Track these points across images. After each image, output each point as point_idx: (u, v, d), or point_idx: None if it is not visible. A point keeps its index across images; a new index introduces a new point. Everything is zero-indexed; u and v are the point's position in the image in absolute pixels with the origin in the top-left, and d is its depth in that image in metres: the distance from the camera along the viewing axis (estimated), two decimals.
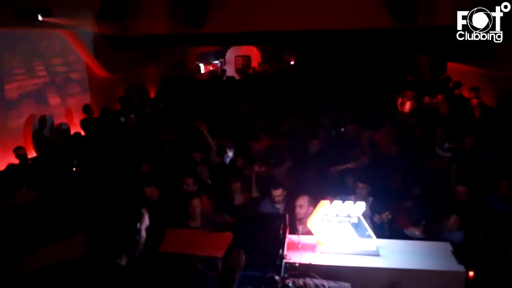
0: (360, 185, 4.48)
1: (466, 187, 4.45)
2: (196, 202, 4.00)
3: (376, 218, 4.20)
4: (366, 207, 4.35)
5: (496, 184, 4.53)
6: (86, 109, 8.48)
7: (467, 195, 4.42)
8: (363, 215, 4.26)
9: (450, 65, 11.29)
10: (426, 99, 8.41)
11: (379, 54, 13.98)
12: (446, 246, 2.91)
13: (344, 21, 9.02)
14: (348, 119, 7.24)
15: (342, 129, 7.09)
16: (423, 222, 3.78)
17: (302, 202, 3.85)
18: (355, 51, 14.16)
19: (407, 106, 8.16)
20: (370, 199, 4.51)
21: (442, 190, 5.04)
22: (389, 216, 4.16)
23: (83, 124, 8.10)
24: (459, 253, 2.83)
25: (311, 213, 3.74)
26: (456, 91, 9.50)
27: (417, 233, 3.74)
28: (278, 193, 4.22)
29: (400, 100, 8.81)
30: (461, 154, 5.71)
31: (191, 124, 6.73)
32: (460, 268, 2.64)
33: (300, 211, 3.81)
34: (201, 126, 5.96)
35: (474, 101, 7.73)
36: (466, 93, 9.16)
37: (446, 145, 5.89)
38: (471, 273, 2.64)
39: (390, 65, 13.31)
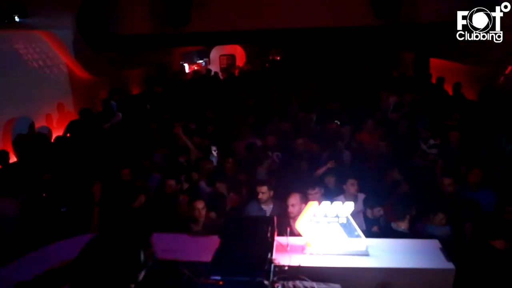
0: (350, 181, 4.47)
1: (452, 178, 4.48)
2: (200, 204, 3.90)
3: (368, 213, 4.20)
4: (358, 203, 4.40)
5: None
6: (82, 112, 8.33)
7: (453, 187, 4.46)
8: (357, 211, 4.30)
9: (433, 61, 11.43)
10: (409, 96, 8.46)
11: (363, 51, 14.08)
12: (435, 244, 2.91)
13: (327, 18, 9.03)
14: (333, 116, 7.26)
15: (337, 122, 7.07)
16: (408, 216, 3.78)
17: (294, 200, 3.81)
18: (339, 49, 14.23)
19: (390, 101, 8.22)
20: (362, 195, 4.51)
21: (429, 186, 5.06)
22: (381, 212, 4.17)
23: (70, 126, 7.90)
24: (446, 248, 2.84)
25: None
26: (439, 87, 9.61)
27: (403, 227, 3.74)
28: (263, 189, 4.12)
29: (384, 96, 8.87)
30: (446, 150, 5.77)
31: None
32: (449, 265, 2.64)
33: (293, 210, 3.77)
34: (176, 129, 5.91)
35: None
36: (449, 89, 9.29)
37: (431, 142, 5.94)
38: None
39: (374, 61, 13.41)
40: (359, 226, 3.99)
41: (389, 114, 7.48)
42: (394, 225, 3.79)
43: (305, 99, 9.12)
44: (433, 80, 10.14)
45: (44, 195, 4.93)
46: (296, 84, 11.21)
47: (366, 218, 4.29)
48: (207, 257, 2.47)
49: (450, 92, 9.17)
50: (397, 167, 5.18)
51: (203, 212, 3.90)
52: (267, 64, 17.66)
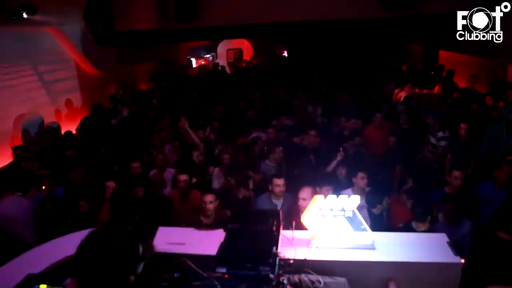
0: (360, 174, 4.43)
1: (461, 171, 4.43)
2: (209, 197, 3.89)
3: (377, 209, 4.16)
4: (362, 198, 4.37)
5: (491, 171, 4.51)
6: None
7: (461, 180, 4.40)
8: (361, 206, 4.28)
9: (442, 53, 11.28)
10: (417, 90, 8.37)
11: (371, 44, 13.94)
12: (442, 238, 2.88)
13: (335, 11, 8.96)
14: (340, 109, 7.23)
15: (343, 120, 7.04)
16: (429, 218, 3.73)
17: (305, 194, 3.79)
18: (347, 42, 14.10)
19: (401, 96, 8.14)
20: (367, 189, 4.48)
21: (439, 180, 5.01)
22: (389, 201, 4.14)
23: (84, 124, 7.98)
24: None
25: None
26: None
27: (423, 228, 3.70)
28: (279, 182, 4.11)
29: (396, 91, 8.79)
30: (455, 143, 5.70)
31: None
32: (456, 259, 2.61)
33: (303, 204, 3.75)
34: (182, 123, 5.93)
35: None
36: (458, 81, 9.16)
37: (440, 134, 5.87)
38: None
39: (383, 54, 13.27)
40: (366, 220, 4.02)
41: (398, 108, 7.41)
42: (413, 224, 3.76)
43: (312, 93, 9.06)
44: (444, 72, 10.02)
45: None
46: (303, 78, 11.15)
47: (370, 213, 4.26)
48: (213, 250, 2.49)
49: (460, 85, 9.05)
50: (402, 163, 5.13)
51: (212, 206, 3.89)
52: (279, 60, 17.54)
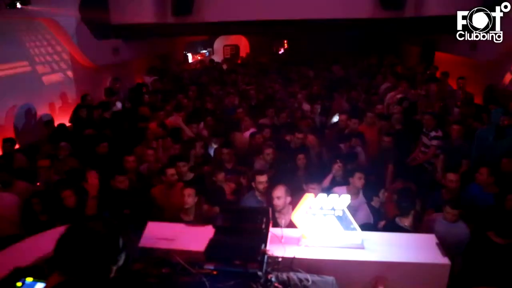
0: (357, 174, 4.43)
1: (457, 174, 4.44)
2: (189, 191, 3.86)
3: (375, 201, 4.16)
4: (360, 196, 4.38)
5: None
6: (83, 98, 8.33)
7: (456, 183, 4.41)
8: (361, 203, 4.29)
9: (438, 55, 11.31)
10: (412, 91, 8.38)
11: (368, 44, 13.95)
12: (431, 239, 2.89)
13: (332, 10, 8.94)
14: (338, 109, 7.23)
15: (335, 119, 7.05)
16: (412, 212, 3.76)
17: (279, 193, 3.78)
18: (344, 41, 14.10)
19: (394, 96, 8.15)
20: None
21: (430, 180, 5.03)
22: (385, 194, 4.14)
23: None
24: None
25: (289, 203, 3.73)
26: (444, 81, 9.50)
27: (406, 223, 3.73)
28: (262, 178, 4.09)
29: (392, 93, 8.79)
30: (447, 144, 5.72)
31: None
32: (445, 260, 2.63)
33: (278, 203, 3.74)
34: (176, 119, 5.90)
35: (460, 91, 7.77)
36: (452, 83, 9.19)
37: (433, 134, 5.90)
38: None
39: (379, 54, 13.29)
40: (366, 219, 4.05)
41: (391, 109, 7.42)
42: (397, 220, 3.77)
43: (310, 91, 9.05)
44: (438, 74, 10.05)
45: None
46: (300, 76, 11.14)
47: (373, 209, 4.26)
48: (202, 246, 2.48)
49: (455, 87, 9.08)
50: (394, 163, 5.14)
51: (191, 200, 3.86)
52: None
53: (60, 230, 3.08)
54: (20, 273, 2.62)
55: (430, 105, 7.31)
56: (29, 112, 7.61)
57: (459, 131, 5.60)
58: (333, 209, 2.82)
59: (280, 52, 18.68)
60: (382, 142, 5.80)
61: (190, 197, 3.84)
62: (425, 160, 5.88)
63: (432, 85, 8.24)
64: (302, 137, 5.77)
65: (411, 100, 7.74)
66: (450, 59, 10.21)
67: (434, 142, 5.80)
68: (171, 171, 4.50)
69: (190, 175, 4.90)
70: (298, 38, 16.45)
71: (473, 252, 3.48)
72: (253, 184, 4.24)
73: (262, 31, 13.05)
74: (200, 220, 3.78)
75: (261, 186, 4.14)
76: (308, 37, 15.11)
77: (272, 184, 4.07)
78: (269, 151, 5.25)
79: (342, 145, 5.82)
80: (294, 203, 3.66)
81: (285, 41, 18.63)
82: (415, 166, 5.88)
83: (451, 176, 4.42)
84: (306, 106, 7.79)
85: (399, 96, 8.07)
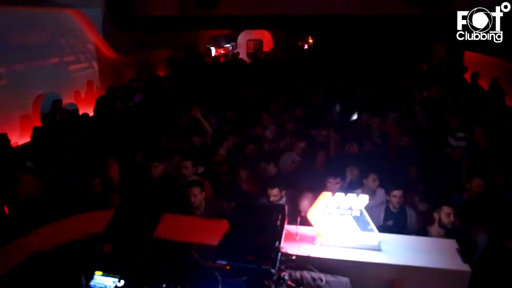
0: (371, 176, 4.33)
1: (482, 179, 4.29)
2: (195, 190, 3.86)
3: (391, 203, 4.04)
4: (377, 197, 4.28)
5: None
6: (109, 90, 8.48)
7: (483, 188, 4.27)
8: (377, 204, 4.20)
9: (468, 54, 10.94)
10: (437, 90, 8.13)
11: (394, 41, 13.63)
12: (451, 244, 2.79)
13: (359, 6, 8.77)
14: (361, 107, 7.09)
15: (355, 117, 6.93)
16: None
17: (306, 200, 3.72)
18: (370, 38, 13.82)
19: (417, 95, 7.93)
20: (382, 190, 4.39)
21: (453, 184, 4.88)
22: (399, 198, 4.02)
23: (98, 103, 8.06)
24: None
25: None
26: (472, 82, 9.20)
27: (432, 231, 3.61)
28: (274, 192, 3.92)
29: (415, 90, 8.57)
30: (473, 148, 5.54)
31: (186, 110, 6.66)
32: (465, 267, 2.53)
33: (305, 208, 3.62)
34: (194, 111, 5.90)
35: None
36: (485, 85, 8.89)
37: (460, 135, 5.73)
38: None
39: (405, 52, 12.97)
40: (376, 220, 3.95)
41: (416, 108, 7.22)
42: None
43: (332, 89, 8.93)
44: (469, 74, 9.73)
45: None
46: (325, 72, 11.00)
47: (388, 212, 4.16)
48: (216, 240, 2.48)
49: (486, 88, 8.78)
50: (416, 164, 5.00)
51: (197, 199, 3.85)
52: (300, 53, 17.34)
53: (92, 215, 3.17)
54: (40, 258, 2.71)
55: (458, 106, 7.07)
56: (56, 101, 7.80)
57: (483, 134, 5.42)
58: (350, 208, 2.76)
59: (304, 47, 18.50)
60: (401, 143, 5.68)
61: (196, 197, 3.85)
62: (450, 162, 5.71)
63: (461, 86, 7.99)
64: (327, 133, 5.71)
65: (437, 100, 7.51)
66: (481, 58, 9.86)
67: (462, 143, 5.63)
68: (187, 163, 4.54)
69: (200, 168, 4.92)
70: (322, 34, 16.23)
71: (490, 259, 3.36)
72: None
73: (286, 26, 12.94)
74: (210, 213, 3.79)
75: (273, 199, 3.95)
76: (332, 33, 14.87)
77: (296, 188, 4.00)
78: (301, 144, 5.22)
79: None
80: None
81: (310, 37, 18.43)
82: (439, 167, 5.71)
83: (477, 182, 4.28)
84: (325, 103, 7.69)
85: (422, 95, 7.86)
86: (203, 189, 3.93)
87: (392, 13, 8.76)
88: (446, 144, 5.85)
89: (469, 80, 9.58)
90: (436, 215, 3.63)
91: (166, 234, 2.73)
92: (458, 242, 2.80)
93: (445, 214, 3.57)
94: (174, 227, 2.84)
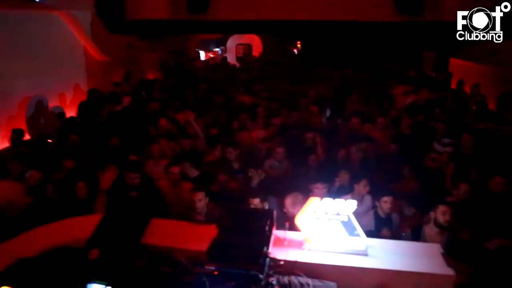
0: (363, 181, 4.37)
1: (468, 185, 4.38)
2: (200, 195, 3.86)
3: (379, 209, 4.08)
4: (365, 203, 4.32)
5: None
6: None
7: (468, 194, 4.35)
8: (367, 209, 4.24)
9: (453, 61, 11.15)
10: (424, 95, 8.26)
11: (383, 48, 13.82)
12: (436, 248, 2.85)
13: (347, 11, 8.86)
14: (351, 112, 7.16)
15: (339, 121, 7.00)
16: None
17: (294, 200, 3.75)
18: (359, 44, 13.98)
19: (405, 100, 8.05)
20: (369, 196, 4.43)
21: (438, 189, 4.96)
22: (389, 205, 4.06)
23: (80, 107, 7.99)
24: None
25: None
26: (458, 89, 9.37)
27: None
28: (255, 202, 3.89)
29: (399, 94, 8.70)
30: (459, 153, 5.63)
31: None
32: (449, 271, 2.58)
33: (293, 211, 3.67)
34: (187, 115, 5.90)
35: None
36: (468, 90, 9.05)
37: (446, 140, 5.81)
38: None
39: (395, 59, 13.17)
40: (367, 226, 3.98)
41: (403, 114, 7.32)
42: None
43: (321, 93, 9.00)
44: (454, 81, 9.91)
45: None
46: (313, 77, 11.08)
47: (377, 217, 4.20)
48: (205, 246, 2.47)
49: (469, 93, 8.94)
50: (404, 171, 5.07)
51: (202, 204, 3.87)
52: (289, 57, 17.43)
53: (76, 221, 3.12)
54: (23, 264, 2.66)
55: (445, 112, 7.18)
56: (41, 104, 7.69)
57: (470, 140, 5.52)
58: (338, 214, 2.79)
59: (294, 52, 18.59)
60: (388, 149, 5.75)
61: (201, 202, 3.85)
62: (436, 167, 5.79)
63: (448, 93, 8.13)
64: (313, 136, 5.72)
65: (423, 106, 7.63)
66: (465, 65, 10.05)
67: (448, 149, 5.71)
68: (174, 169, 4.52)
69: (195, 172, 4.89)
70: (312, 40, 16.36)
71: (470, 260, 3.42)
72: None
73: (275, 31, 13.00)
74: (210, 220, 3.78)
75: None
76: (322, 39, 15.01)
77: (284, 190, 4.01)
78: (280, 150, 5.23)
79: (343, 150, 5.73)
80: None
81: (299, 42, 18.55)
82: (424, 172, 5.80)
83: (464, 187, 4.36)
84: (313, 108, 7.75)
85: (409, 101, 7.99)
86: (207, 194, 3.93)
87: (382, 20, 8.87)
88: (431, 150, 5.94)
89: (454, 87, 9.76)
90: (432, 214, 3.73)
91: (154, 240, 2.72)
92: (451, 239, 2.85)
93: (441, 213, 3.67)
94: (162, 233, 2.83)
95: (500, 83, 8.56)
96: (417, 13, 8.45)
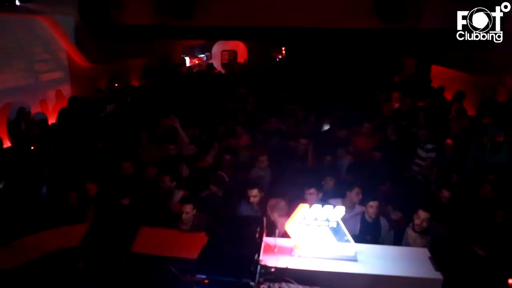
0: (355, 189, 4.40)
1: (450, 191, 4.47)
2: (189, 208, 3.86)
3: (367, 214, 4.12)
4: (355, 208, 4.36)
5: (477, 187, 4.57)
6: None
7: (450, 199, 4.45)
8: (355, 214, 4.27)
9: (434, 68, 11.41)
10: (408, 101, 8.42)
11: (366, 54, 14.03)
12: (424, 252, 2.89)
13: (331, 19, 9.00)
14: (336, 118, 7.23)
15: (326, 127, 7.07)
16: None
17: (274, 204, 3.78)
18: (342, 51, 14.16)
19: (390, 107, 8.17)
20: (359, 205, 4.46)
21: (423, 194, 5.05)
22: (375, 209, 4.11)
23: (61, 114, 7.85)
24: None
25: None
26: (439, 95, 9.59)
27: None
28: (253, 193, 4.07)
29: (383, 99, 8.83)
30: (441, 157, 5.76)
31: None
32: (437, 275, 2.62)
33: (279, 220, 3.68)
34: (173, 121, 5.90)
35: (456, 105, 7.83)
36: (448, 97, 9.26)
37: (429, 146, 5.93)
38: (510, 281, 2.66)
39: (377, 65, 13.37)
40: (352, 229, 4.02)
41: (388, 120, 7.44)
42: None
43: (306, 100, 9.07)
44: (435, 87, 10.13)
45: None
46: (298, 84, 11.17)
47: (364, 222, 4.24)
48: (195, 254, 2.45)
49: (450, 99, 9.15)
50: (390, 178, 5.14)
51: (189, 216, 3.87)
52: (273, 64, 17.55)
53: (58, 231, 3.06)
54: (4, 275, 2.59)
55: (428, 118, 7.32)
56: (23, 110, 7.53)
57: (453, 145, 5.65)
58: (327, 220, 2.81)
59: (278, 58, 18.73)
60: (373, 156, 5.82)
61: (188, 214, 3.85)
62: (420, 173, 5.90)
63: (429, 99, 8.29)
64: (306, 143, 5.77)
65: (408, 112, 7.76)
66: (446, 72, 10.30)
67: (431, 155, 5.83)
68: (166, 177, 4.50)
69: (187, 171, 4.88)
70: (296, 46, 16.51)
71: (457, 262, 3.49)
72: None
73: (260, 38, 13.09)
74: (196, 230, 3.77)
75: (253, 200, 4.11)
76: (306, 45, 15.17)
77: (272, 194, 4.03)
78: (263, 158, 5.25)
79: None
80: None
81: (283, 48, 18.70)
82: (408, 178, 5.89)
83: (445, 193, 4.45)
84: (300, 114, 7.80)
85: (394, 107, 8.11)
86: (195, 206, 3.91)
87: (364, 26, 9.04)
88: (415, 156, 6.05)
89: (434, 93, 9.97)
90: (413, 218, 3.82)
91: (144, 248, 2.69)
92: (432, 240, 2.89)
93: (418, 217, 3.77)
94: (151, 241, 2.80)
95: (478, 90, 8.80)
96: (398, 21, 8.64)
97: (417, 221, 3.77)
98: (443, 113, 7.92)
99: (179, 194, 4.46)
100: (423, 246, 3.56)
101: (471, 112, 8.44)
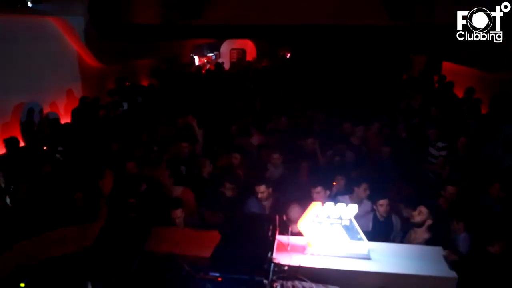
0: (363, 185, 4.39)
1: (456, 187, 4.42)
2: (179, 212, 3.85)
3: (378, 212, 4.10)
4: (364, 205, 4.34)
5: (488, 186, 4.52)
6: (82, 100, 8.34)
7: (455, 195, 4.40)
8: (366, 211, 4.25)
9: (446, 64, 11.28)
10: (419, 98, 8.35)
11: (375, 51, 13.92)
12: (438, 251, 2.86)
13: (340, 16, 8.94)
14: (343, 116, 7.20)
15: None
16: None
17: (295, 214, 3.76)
18: (351, 48, 14.07)
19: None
20: (368, 201, 4.45)
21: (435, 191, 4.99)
22: (386, 207, 4.09)
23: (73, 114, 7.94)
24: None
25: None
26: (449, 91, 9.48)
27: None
28: (261, 189, 4.10)
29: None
30: (454, 155, 5.70)
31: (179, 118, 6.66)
32: (452, 274, 2.59)
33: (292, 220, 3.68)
34: (191, 120, 5.93)
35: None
36: (460, 93, 9.16)
37: (440, 144, 5.87)
38: None
39: (386, 62, 13.25)
40: (365, 227, 4.00)
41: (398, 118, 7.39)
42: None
43: (313, 98, 9.04)
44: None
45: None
46: (306, 82, 11.14)
47: (376, 220, 4.21)
48: (208, 252, 2.47)
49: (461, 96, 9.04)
50: (397, 175, 5.10)
51: (179, 221, 3.87)
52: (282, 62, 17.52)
53: (77, 229, 3.10)
54: (23, 271, 2.63)
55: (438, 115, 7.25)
56: (33, 111, 7.62)
57: (466, 143, 5.58)
58: (340, 218, 2.80)
59: (287, 57, 18.67)
60: (382, 153, 5.79)
61: (179, 219, 3.87)
62: (432, 170, 5.85)
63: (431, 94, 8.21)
64: (314, 142, 5.75)
65: (418, 109, 7.69)
66: (457, 69, 10.18)
67: (443, 153, 5.77)
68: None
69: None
70: (305, 44, 16.44)
71: (471, 263, 3.45)
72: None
73: (269, 36, 13.08)
74: (189, 224, 3.84)
75: (261, 196, 4.12)
76: (315, 43, 15.10)
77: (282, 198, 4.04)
78: (276, 155, 5.25)
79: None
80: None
81: (288, 53, 18.60)
82: (420, 175, 5.84)
83: (450, 189, 4.41)
84: (308, 112, 7.78)
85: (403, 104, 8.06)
86: (183, 207, 3.93)
87: (373, 23, 8.96)
88: (427, 153, 6.00)
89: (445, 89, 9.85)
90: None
91: (156, 247, 2.70)
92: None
93: (418, 213, 3.78)
94: (164, 240, 2.81)
95: (490, 87, 8.68)
96: (408, 18, 8.55)
97: (416, 218, 3.79)
98: (454, 109, 7.84)
99: (178, 190, 4.50)
100: (423, 241, 3.60)
101: (483, 109, 8.35)
